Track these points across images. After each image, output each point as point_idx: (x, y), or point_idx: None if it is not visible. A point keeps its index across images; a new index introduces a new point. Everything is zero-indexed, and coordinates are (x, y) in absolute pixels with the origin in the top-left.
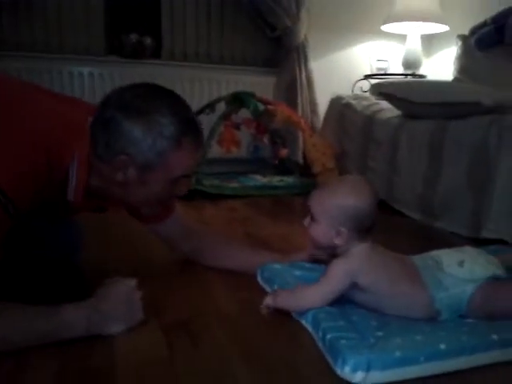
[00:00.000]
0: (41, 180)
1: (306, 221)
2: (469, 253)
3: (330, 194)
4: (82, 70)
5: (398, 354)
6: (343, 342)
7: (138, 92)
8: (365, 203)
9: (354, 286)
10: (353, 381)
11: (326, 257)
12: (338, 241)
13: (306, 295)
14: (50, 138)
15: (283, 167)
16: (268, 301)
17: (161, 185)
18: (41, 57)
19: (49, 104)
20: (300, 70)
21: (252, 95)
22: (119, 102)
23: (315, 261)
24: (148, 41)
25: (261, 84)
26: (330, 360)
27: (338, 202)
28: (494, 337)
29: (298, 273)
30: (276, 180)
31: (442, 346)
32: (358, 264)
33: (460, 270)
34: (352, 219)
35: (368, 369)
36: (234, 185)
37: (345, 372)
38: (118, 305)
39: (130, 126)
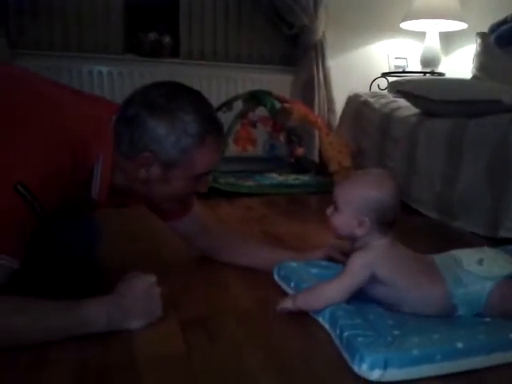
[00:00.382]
0: (66, 180)
1: (329, 210)
2: (487, 252)
3: (354, 184)
4: (102, 68)
5: (415, 352)
6: (360, 339)
7: (161, 90)
8: (388, 195)
9: (373, 278)
10: (370, 378)
11: (342, 256)
12: (359, 231)
13: (325, 291)
14: (76, 137)
15: (299, 166)
16: (287, 304)
17: (183, 182)
18: (60, 55)
19: (73, 103)
20: (317, 68)
21: (269, 93)
22: (143, 100)
23: (331, 259)
24: (166, 39)
25: (278, 82)
26: (347, 357)
27: (361, 193)
28: None
29: (314, 271)
30: (292, 178)
31: (459, 345)
32: (376, 256)
33: (479, 268)
34: (375, 210)
35: (385, 366)
36: (250, 183)
37: (362, 369)
38: (138, 301)
39: (154, 123)
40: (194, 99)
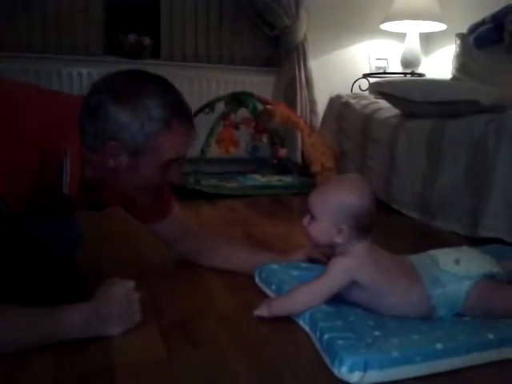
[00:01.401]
0: (35, 176)
1: (306, 220)
2: (465, 252)
3: (330, 191)
4: (81, 70)
5: (394, 353)
6: (340, 342)
7: (124, 77)
8: (366, 201)
9: (353, 283)
10: (350, 381)
11: (323, 257)
12: (338, 239)
13: (302, 296)
14: (43, 135)
15: (282, 167)
16: (262, 312)
17: (152, 170)
18: (39, 57)
19: (37, 100)
20: (299, 69)
21: (251, 95)
22: (105, 88)
23: (312, 261)
24: (147, 41)
25: (260, 84)
26: (327, 360)
27: (339, 200)
28: (491, 336)
29: (295, 273)
30: (275, 180)
31: (439, 346)
32: (357, 262)
33: (456, 268)
34: (353, 217)
35: (365, 369)
36: (233, 185)
37: (342, 372)
38: (116, 307)
39: (116, 111)
40: (159, 85)
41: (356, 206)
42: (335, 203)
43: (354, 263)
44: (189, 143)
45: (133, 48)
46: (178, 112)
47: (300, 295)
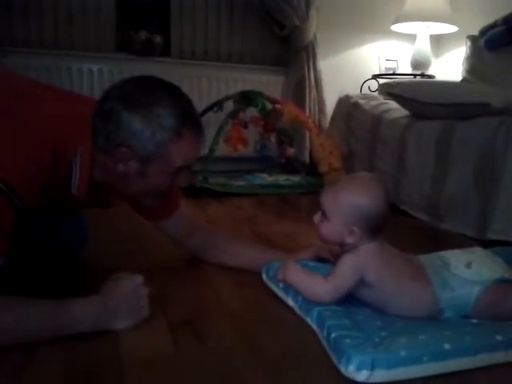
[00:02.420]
0: (47, 175)
1: (317, 217)
2: (477, 254)
3: (344, 192)
4: (92, 66)
5: (402, 353)
6: (348, 340)
7: (138, 84)
8: (379, 202)
9: (361, 282)
10: (357, 379)
11: (331, 256)
12: (349, 240)
13: (321, 287)
14: (56, 134)
15: (290, 166)
16: (290, 273)
17: (161, 176)
18: (50, 53)
19: (51, 100)
20: (309, 69)
21: (260, 94)
22: (119, 95)
23: (321, 260)
24: (157, 38)
25: (269, 83)
26: (334, 358)
27: (352, 201)
28: (499, 338)
29: None
30: (282, 179)
31: (446, 346)
32: (366, 260)
33: (467, 272)
34: (366, 218)
35: (372, 367)
36: (241, 183)
37: (349, 370)
38: (125, 301)
39: (129, 117)
40: (171, 93)
41: (369, 208)
42: (348, 204)
43: (363, 261)
44: (198, 150)
45: (143, 45)
46: (189, 121)
47: (315, 284)
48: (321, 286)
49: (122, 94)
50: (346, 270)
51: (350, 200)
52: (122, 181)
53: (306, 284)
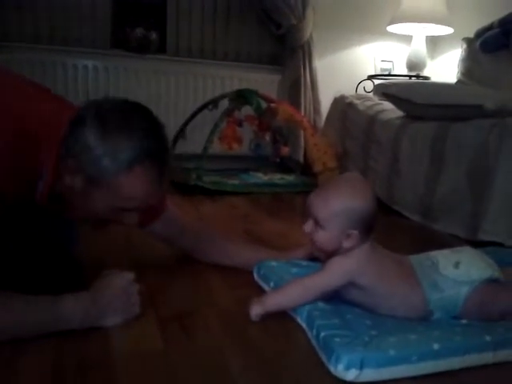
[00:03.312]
0: (20, 179)
1: (308, 227)
2: (466, 253)
3: (335, 197)
4: (87, 62)
5: (391, 352)
6: (337, 339)
7: (118, 105)
8: (371, 202)
9: (351, 284)
10: (346, 378)
11: (323, 255)
12: (347, 244)
13: (297, 289)
14: (32, 139)
15: (284, 165)
16: (256, 310)
17: (103, 205)
18: (45, 49)
19: (35, 101)
20: (304, 68)
21: (255, 93)
22: (96, 107)
23: (313, 258)
24: (153, 36)
25: (265, 82)
26: (323, 357)
27: (346, 205)
28: (488, 338)
29: (294, 270)
30: (277, 178)
31: (436, 346)
32: (357, 264)
33: (455, 272)
34: (362, 220)
35: (361, 367)
36: (235, 182)
37: (338, 370)
38: (116, 298)
39: (89, 132)
40: (145, 127)
41: (363, 208)
42: (342, 209)
43: (354, 265)
44: (149, 193)
45: (139, 42)
46: (149, 161)
47: (294, 289)
48: (303, 288)
49: (98, 107)
50: (336, 272)
51: (343, 204)
52: (69, 194)
53: (287, 298)
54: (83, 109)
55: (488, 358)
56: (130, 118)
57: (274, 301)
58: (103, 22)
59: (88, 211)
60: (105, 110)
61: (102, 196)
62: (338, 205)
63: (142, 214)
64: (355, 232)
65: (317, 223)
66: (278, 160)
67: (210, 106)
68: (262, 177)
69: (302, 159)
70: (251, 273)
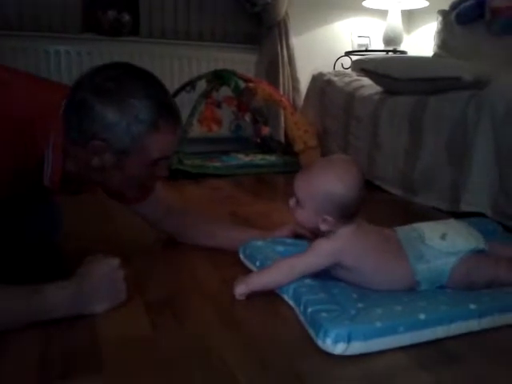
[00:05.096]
0: (19, 166)
1: (292, 202)
2: (452, 225)
3: (316, 180)
4: (59, 48)
5: (378, 324)
6: (324, 314)
7: (110, 74)
8: (353, 190)
9: (338, 265)
10: (334, 352)
11: (308, 233)
12: (323, 227)
13: (282, 269)
14: (28, 124)
15: (265, 146)
16: (240, 289)
17: (139, 169)
18: (14, 35)
19: (22, 87)
20: (281, 46)
21: (233, 73)
22: (91, 84)
23: (297, 236)
24: (126, 18)
25: (242, 61)
26: (311, 333)
27: (325, 190)
28: (472, 306)
29: (279, 248)
30: (258, 159)
31: (422, 316)
32: (342, 245)
33: (442, 243)
34: (338, 207)
35: (349, 340)
36: (217, 164)
37: (326, 344)
38: (101, 285)
39: (102, 109)
40: (146, 83)
41: (341, 197)
42: (320, 193)
43: (339, 247)
44: (175, 141)
45: (112, 25)
46: (165, 111)
47: (278, 269)
48: (288, 268)
49: (93, 83)
50: (320, 255)
51: (322, 189)
52: (99, 174)
53: (272, 277)
54: (78, 90)
55: (473, 325)
56: (126, 80)
57: (259, 280)
58: (74, 6)
59: (120, 183)
60: (99, 83)
61: (135, 162)
62: (317, 189)
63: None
64: (330, 218)
65: (297, 201)
66: (258, 140)
67: (188, 88)
68: (243, 158)
69: (282, 139)
70: (237, 253)
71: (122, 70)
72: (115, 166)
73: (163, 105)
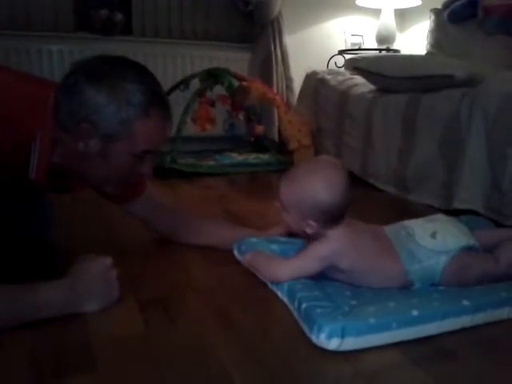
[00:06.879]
0: (5, 159)
1: (277, 205)
2: (441, 222)
3: (299, 186)
4: (51, 47)
5: (371, 320)
6: (318, 310)
7: (105, 60)
8: (339, 195)
9: (332, 267)
10: (328, 347)
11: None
12: (309, 230)
13: (280, 268)
14: (15, 118)
15: (259, 144)
16: (248, 257)
17: (124, 158)
18: (6, 34)
19: (11, 82)
20: (275, 45)
21: (227, 71)
22: (84, 69)
23: (291, 235)
24: (118, 16)
25: (235, 60)
26: (305, 328)
27: (310, 197)
28: (465, 302)
29: (273, 246)
30: (252, 158)
31: (415, 313)
32: (335, 248)
33: (433, 242)
34: (323, 213)
35: (343, 335)
36: (210, 163)
37: (320, 339)
38: (94, 284)
39: (93, 91)
40: (140, 72)
41: (325, 203)
42: (305, 200)
43: (332, 250)
44: (164, 134)
45: (104, 24)
46: (157, 102)
47: (276, 267)
48: (278, 267)
49: (86, 68)
50: (311, 259)
51: (307, 196)
52: (82, 162)
53: (270, 271)
54: (71, 76)
55: (466, 321)
56: (121, 66)
57: (260, 267)
58: (66, 5)
59: (103, 174)
60: (96, 67)
61: (122, 150)
62: (301, 195)
63: (123, 191)
64: (313, 223)
65: (282, 205)
66: (252, 139)
67: (182, 87)
68: (237, 157)
69: (276, 137)
70: (230, 252)
71: (116, 58)
72: (100, 153)
73: (156, 94)
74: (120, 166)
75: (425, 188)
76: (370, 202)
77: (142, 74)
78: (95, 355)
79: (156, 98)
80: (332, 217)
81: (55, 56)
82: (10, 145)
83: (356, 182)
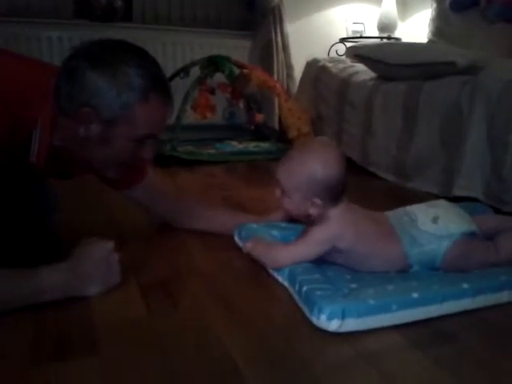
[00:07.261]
0: (3, 142)
1: (277, 192)
2: (443, 207)
3: (297, 167)
4: (50, 34)
5: (371, 302)
6: (319, 292)
7: (106, 44)
8: (335, 170)
9: (332, 249)
10: (329, 329)
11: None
12: (313, 211)
13: (281, 254)
14: (15, 101)
15: (259, 133)
16: (248, 246)
17: (124, 143)
18: (6, 21)
19: (13, 66)
20: (275, 32)
21: (227, 59)
22: (85, 53)
23: (292, 220)
24: (118, 3)
25: (235, 47)
26: (306, 311)
27: (307, 175)
28: (465, 285)
29: (274, 232)
30: (252, 146)
31: (415, 295)
32: (337, 229)
33: (434, 227)
34: (325, 188)
35: (343, 317)
36: (210, 151)
37: (321, 321)
38: (96, 268)
39: (94, 75)
40: (141, 56)
41: (325, 177)
42: (303, 179)
43: (333, 231)
44: (165, 119)
45: (104, 10)
46: (158, 86)
47: (278, 253)
48: (279, 253)
49: (87, 52)
50: (317, 241)
51: (304, 175)
52: (82, 146)
53: (271, 258)
54: (71, 60)
55: (467, 304)
56: (121, 50)
57: (261, 254)
58: None
59: (104, 158)
60: (94, 51)
61: (122, 134)
62: (298, 174)
63: (125, 176)
64: (318, 201)
65: (283, 191)
66: (252, 127)
67: (182, 74)
68: (237, 145)
69: (276, 126)
70: (231, 237)
71: (115, 42)
72: (101, 138)
73: (157, 78)
74: (121, 151)
75: (425, 175)
76: (371, 189)
77: (143, 58)
78: (97, 338)
79: (157, 82)
80: (334, 191)
81: (55, 43)
82: (7, 129)
83: (356, 169)
